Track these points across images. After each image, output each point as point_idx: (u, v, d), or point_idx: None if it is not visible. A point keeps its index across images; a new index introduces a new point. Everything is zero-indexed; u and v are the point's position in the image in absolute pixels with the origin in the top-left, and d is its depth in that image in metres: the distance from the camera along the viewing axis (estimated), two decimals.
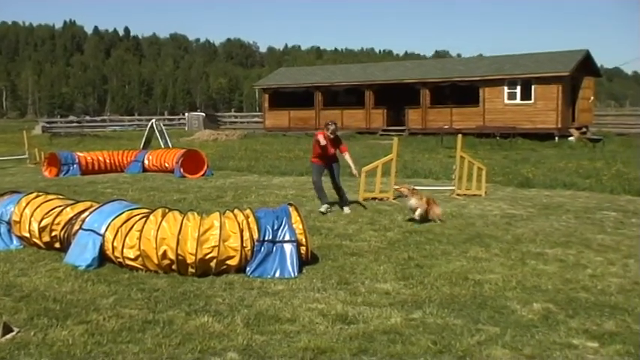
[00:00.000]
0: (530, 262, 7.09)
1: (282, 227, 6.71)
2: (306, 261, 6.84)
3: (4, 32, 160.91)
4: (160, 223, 6.48)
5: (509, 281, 6.29)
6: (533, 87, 31.42)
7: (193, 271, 6.40)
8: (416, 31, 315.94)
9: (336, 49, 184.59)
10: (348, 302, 5.66)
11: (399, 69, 39.40)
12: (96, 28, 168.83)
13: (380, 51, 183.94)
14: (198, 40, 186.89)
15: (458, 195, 12.12)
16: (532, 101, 31.49)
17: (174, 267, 6.42)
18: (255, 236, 6.56)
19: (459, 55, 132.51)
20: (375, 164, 12.00)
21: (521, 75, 31.89)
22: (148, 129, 24.06)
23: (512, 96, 32.16)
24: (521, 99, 31.86)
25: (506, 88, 32.23)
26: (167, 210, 6.88)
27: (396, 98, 35.42)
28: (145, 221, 6.58)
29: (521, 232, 8.78)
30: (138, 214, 6.95)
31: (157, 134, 23.41)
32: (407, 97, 35.06)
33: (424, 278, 6.42)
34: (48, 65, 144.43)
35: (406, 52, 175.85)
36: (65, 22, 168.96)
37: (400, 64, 44.91)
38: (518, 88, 31.89)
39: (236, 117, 54.82)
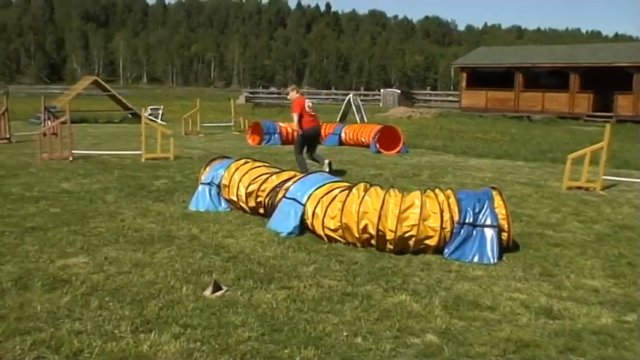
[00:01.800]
0: None
1: (483, 211, 6.47)
2: (506, 248, 6.57)
3: (216, 6, 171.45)
4: (363, 197, 6.53)
5: None
6: None
7: (391, 247, 6.39)
8: (628, 11, 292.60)
9: (538, 28, 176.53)
10: (552, 296, 5.35)
11: (609, 51, 36.75)
12: (299, 3, 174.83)
13: (587, 32, 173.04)
14: (396, 16, 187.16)
15: None
16: None
17: (373, 242, 6.45)
18: (456, 218, 6.40)
19: None
20: (583, 152, 11.27)
21: None
22: (345, 103, 24.59)
23: None
24: None
25: None
26: (369, 185, 6.91)
27: (605, 82, 33.10)
28: (348, 194, 6.65)
29: None
30: (339, 187, 7.05)
31: (354, 109, 23.84)
32: (617, 82, 32.64)
33: (638, 278, 5.91)
34: (253, 38, 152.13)
35: (616, 34, 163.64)
36: None
37: (610, 46, 41.94)
38: None
39: (430, 95, 54.36)
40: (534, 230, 7.72)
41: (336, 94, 57.70)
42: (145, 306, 4.74)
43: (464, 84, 39.41)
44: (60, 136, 13.50)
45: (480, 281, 5.67)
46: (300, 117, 10.91)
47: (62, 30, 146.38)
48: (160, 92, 72.13)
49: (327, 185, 7.11)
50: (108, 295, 4.94)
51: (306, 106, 11.04)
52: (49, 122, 18.14)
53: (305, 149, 11.27)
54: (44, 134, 13.56)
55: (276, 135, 17.73)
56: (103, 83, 28.19)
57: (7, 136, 16.71)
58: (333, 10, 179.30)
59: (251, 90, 62.83)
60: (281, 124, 18.63)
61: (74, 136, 13.98)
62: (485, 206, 6.49)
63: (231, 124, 22.89)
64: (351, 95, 25.18)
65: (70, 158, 12.84)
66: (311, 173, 7.79)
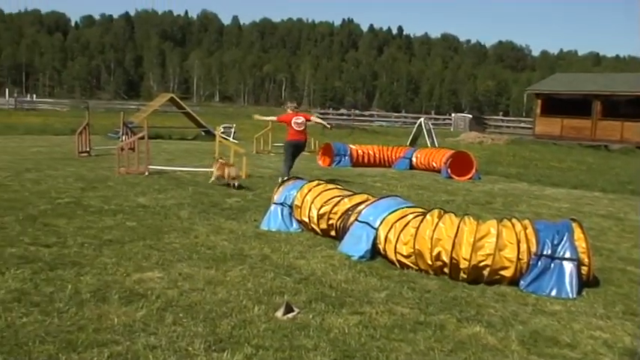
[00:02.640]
0: None
1: (562, 243, 6.27)
2: (586, 283, 6.34)
3: (289, 28, 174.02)
4: (437, 223, 6.43)
5: None
6: None
7: (465, 276, 6.25)
8: None
9: (617, 55, 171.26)
10: (636, 336, 5.11)
11: None
12: (371, 26, 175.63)
13: None
14: (468, 41, 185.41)
15: None
16: None
17: (446, 270, 6.33)
18: (533, 249, 6.22)
19: None
20: None
21: None
22: (416, 127, 24.42)
23: None
24: None
25: None
26: (443, 211, 6.80)
27: None
28: (422, 220, 6.57)
29: None
30: (412, 212, 6.96)
31: (425, 133, 23.63)
32: None
33: None
34: (324, 60, 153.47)
35: None
36: (344, 20, 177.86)
37: None
38: None
39: (502, 121, 53.47)
40: (615, 265, 7.44)
41: (406, 117, 57.53)
42: (218, 324, 4.76)
43: (538, 110, 38.61)
44: (137, 151, 13.84)
45: (559, 316, 5.48)
46: (288, 128, 12.99)
47: (141, 48, 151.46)
48: (232, 111, 73.32)
49: (401, 210, 7.04)
50: (182, 312, 4.99)
51: (293, 121, 12.82)
52: (127, 137, 18.65)
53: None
54: (122, 149, 13.92)
55: (347, 157, 17.75)
56: (178, 101, 28.84)
57: (87, 149, 17.26)
58: (405, 33, 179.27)
59: (321, 111, 63.23)
60: (351, 145, 18.64)
61: (150, 151, 14.30)
62: (565, 238, 6.29)
63: None
64: (422, 119, 25.00)
65: (146, 173, 13.13)
66: (384, 197, 7.72)
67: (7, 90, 66.69)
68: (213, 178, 12.23)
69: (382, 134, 36.38)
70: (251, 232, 8.12)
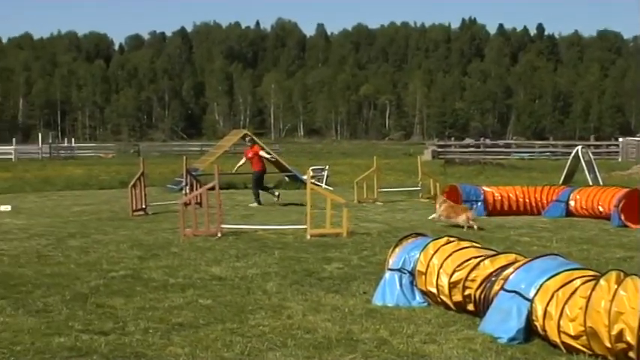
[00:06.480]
0: None
1: None
2: None
3: (391, 35, 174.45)
4: (616, 291, 6.26)
5: None
6: None
7: None
8: None
9: None
10: None
11: None
12: (501, 26, 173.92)
13: None
14: (636, 37, 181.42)
15: None
16: None
17: (631, 354, 6.14)
18: None
19: None
20: None
21: None
22: (571, 159, 24.06)
23: None
24: None
25: None
26: (622, 274, 6.62)
27: None
28: (594, 287, 6.41)
29: None
30: (580, 277, 6.82)
31: (584, 166, 23.21)
32: None
33: None
34: (440, 75, 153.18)
35: None
36: (464, 21, 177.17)
37: None
38: None
39: None
40: None
41: (554, 146, 56.78)
42: None
43: None
44: (206, 206, 14.16)
45: None
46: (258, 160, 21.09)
47: (202, 73, 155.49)
48: (321, 147, 74.58)
49: (564, 274, 6.90)
50: None
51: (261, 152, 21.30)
52: (192, 189, 19.05)
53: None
54: (186, 204, 14.25)
55: (480, 203, 17.56)
56: (254, 138, 29.43)
57: (143, 206, 17.72)
58: (547, 33, 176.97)
59: (439, 143, 63.23)
60: (485, 188, 18.48)
61: (223, 206, 14.60)
62: None
63: (418, 188, 22.96)
64: (579, 148, 24.56)
65: (219, 234, 13.41)
66: (538, 257, 7.60)
67: (39, 134, 69.84)
68: (435, 216, 15.86)
69: (525, 170, 35.95)
70: (361, 308, 8.14)
